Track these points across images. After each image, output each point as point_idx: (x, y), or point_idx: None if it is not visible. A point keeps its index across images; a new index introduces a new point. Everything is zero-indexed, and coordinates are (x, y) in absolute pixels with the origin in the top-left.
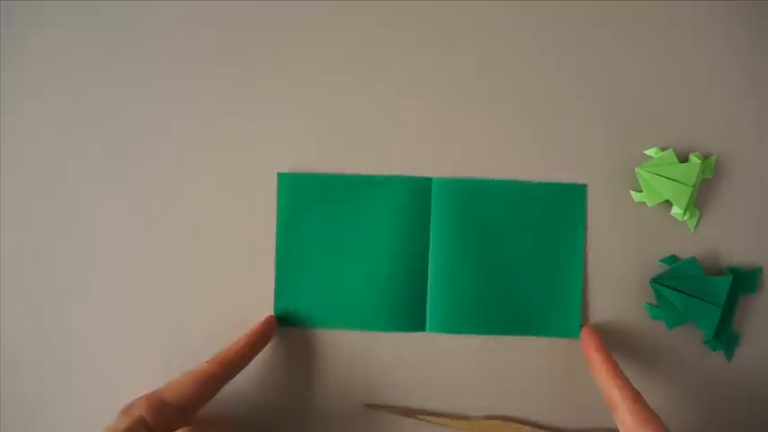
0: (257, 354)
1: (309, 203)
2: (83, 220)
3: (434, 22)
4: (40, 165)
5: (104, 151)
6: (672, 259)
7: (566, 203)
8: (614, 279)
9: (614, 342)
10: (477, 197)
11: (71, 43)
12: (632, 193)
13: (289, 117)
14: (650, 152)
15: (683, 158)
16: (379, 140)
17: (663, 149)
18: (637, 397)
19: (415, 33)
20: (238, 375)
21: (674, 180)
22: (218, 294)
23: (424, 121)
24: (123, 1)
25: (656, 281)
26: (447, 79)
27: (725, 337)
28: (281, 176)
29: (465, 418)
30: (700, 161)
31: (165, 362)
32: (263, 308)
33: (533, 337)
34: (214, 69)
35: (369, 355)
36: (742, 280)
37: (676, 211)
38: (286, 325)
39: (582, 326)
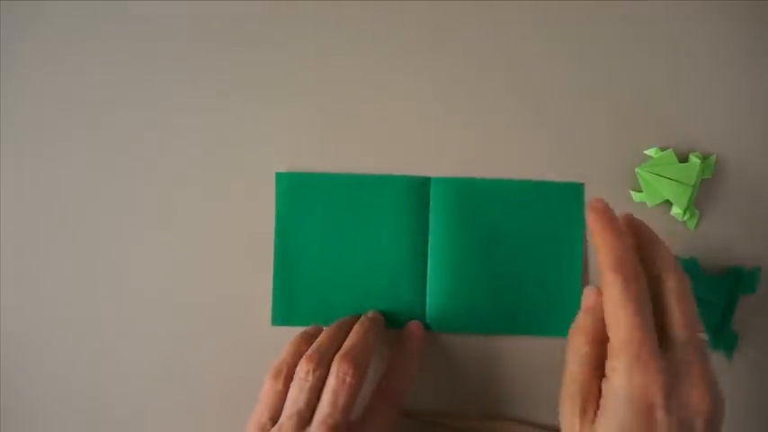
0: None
1: (308, 203)
2: (79, 221)
3: (435, 20)
4: (40, 164)
5: (101, 151)
6: None
7: (564, 203)
8: None
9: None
10: (476, 196)
11: (71, 43)
12: (632, 193)
13: (287, 116)
14: (650, 152)
15: (683, 158)
16: (378, 139)
17: (663, 149)
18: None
19: (415, 32)
20: (229, 373)
21: (673, 180)
22: (216, 294)
23: (423, 120)
24: (123, 1)
25: None
26: (446, 78)
27: (725, 336)
28: (279, 176)
29: (465, 418)
30: (700, 161)
31: (164, 361)
32: (262, 307)
33: (533, 337)
34: (212, 68)
35: None
36: (742, 280)
37: (676, 211)
38: (284, 325)
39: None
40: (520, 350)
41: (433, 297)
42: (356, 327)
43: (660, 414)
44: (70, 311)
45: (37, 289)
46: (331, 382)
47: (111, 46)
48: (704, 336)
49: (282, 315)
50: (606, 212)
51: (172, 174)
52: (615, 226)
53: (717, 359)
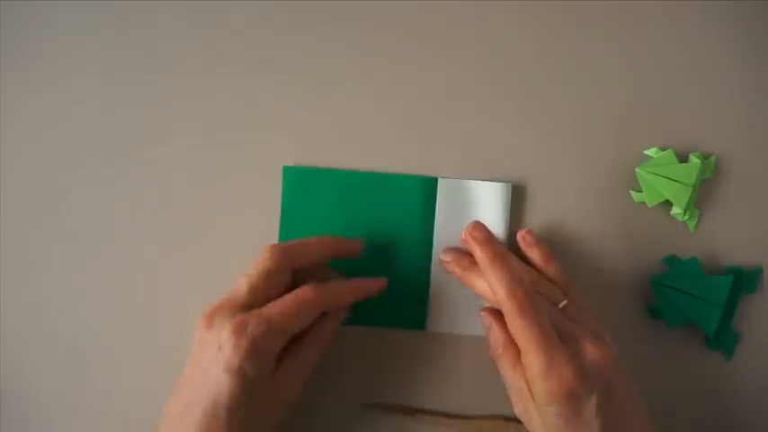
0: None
1: (314, 198)
2: (82, 217)
3: (443, 21)
4: (42, 163)
5: (106, 147)
6: (672, 259)
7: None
8: (614, 279)
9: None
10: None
11: (72, 43)
12: (632, 193)
13: (296, 111)
14: (650, 152)
15: (683, 158)
16: (387, 137)
17: (663, 149)
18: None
19: (425, 32)
20: None
21: (674, 180)
22: (219, 289)
23: (431, 119)
24: (124, 1)
25: (657, 281)
26: (454, 79)
27: (725, 336)
28: (286, 170)
29: (465, 417)
30: (700, 161)
31: (164, 357)
32: None
33: None
34: (220, 64)
35: (368, 354)
36: (742, 280)
37: (676, 211)
38: None
39: None
40: None
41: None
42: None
43: (581, 392)
44: (71, 310)
45: (37, 288)
46: (291, 295)
47: (112, 42)
48: (565, 301)
49: None
50: (486, 242)
51: (175, 167)
52: (497, 253)
53: (717, 359)
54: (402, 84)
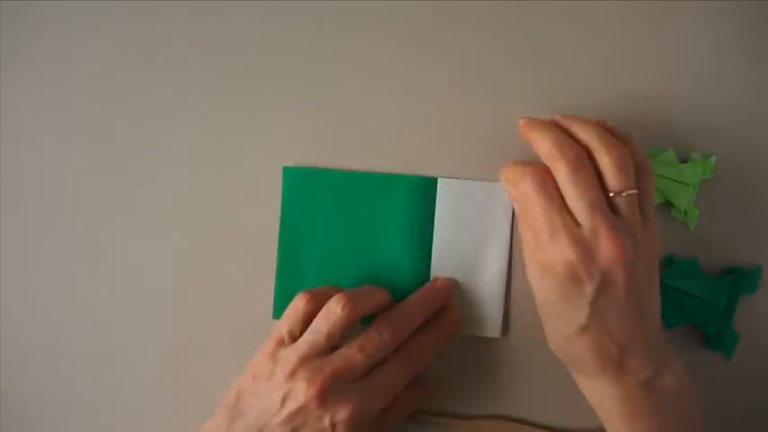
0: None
1: (314, 198)
2: (83, 216)
3: (442, 21)
4: (42, 163)
5: (106, 148)
6: (672, 259)
7: None
8: None
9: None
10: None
11: (71, 44)
12: None
13: (296, 111)
14: (650, 152)
15: (683, 158)
16: (387, 137)
17: (663, 149)
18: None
19: (425, 32)
20: (229, 367)
21: (674, 180)
22: (219, 290)
23: (431, 119)
24: (124, 1)
25: None
26: (454, 79)
27: (725, 336)
28: (286, 170)
29: (465, 417)
30: (700, 161)
31: (166, 356)
32: (265, 304)
33: (535, 337)
34: (220, 64)
35: None
36: (742, 280)
37: (676, 211)
38: None
39: None
40: (520, 350)
41: None
42: (414, 299)
43: (581, 274)
44: (71, 309)
45: (38, 288)
46: (371, 331)
47: (113, 42)
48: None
49: (283, 309)
50: (528, 123)
51: (175, 167)
52: (539, 124)
53: (717, 359)
54: (402, 83)
